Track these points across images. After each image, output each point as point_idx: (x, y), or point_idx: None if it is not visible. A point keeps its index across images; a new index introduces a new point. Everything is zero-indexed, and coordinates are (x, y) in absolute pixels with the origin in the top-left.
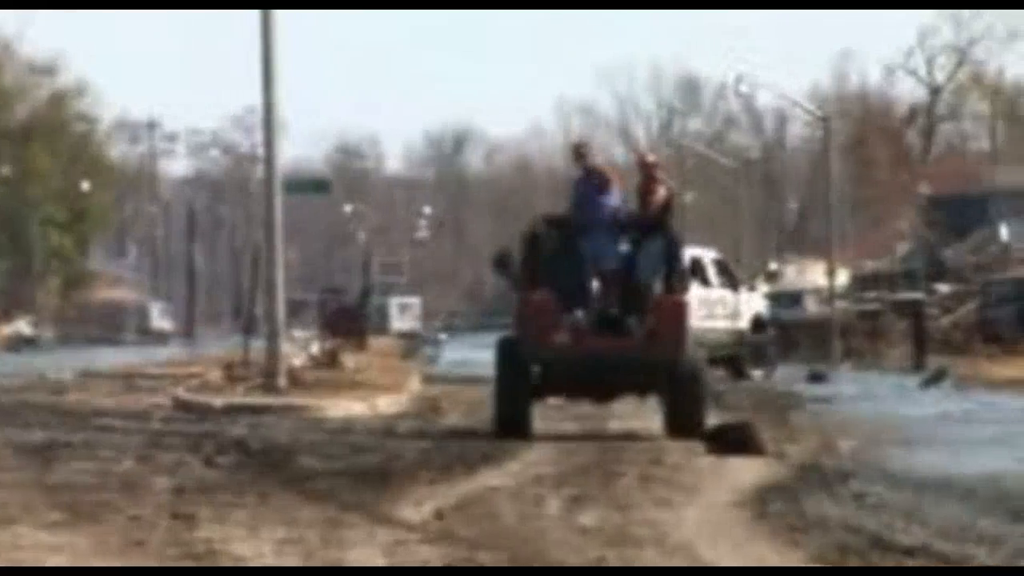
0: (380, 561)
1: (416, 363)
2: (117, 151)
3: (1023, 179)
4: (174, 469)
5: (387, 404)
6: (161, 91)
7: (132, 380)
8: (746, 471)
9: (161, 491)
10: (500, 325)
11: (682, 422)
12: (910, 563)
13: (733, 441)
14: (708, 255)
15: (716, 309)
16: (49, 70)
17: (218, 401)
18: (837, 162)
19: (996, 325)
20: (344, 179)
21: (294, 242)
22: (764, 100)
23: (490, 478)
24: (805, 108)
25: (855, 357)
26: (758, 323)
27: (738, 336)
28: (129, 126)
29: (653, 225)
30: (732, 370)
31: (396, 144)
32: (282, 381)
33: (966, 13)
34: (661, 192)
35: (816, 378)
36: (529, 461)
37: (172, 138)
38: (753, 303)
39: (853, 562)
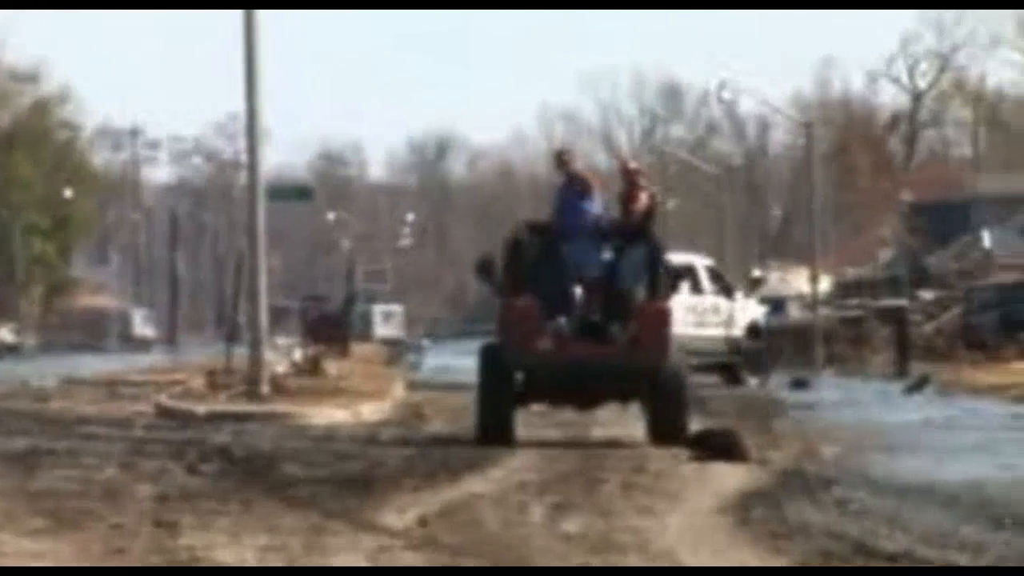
0: (363, 567)
1: (399, 370)
2: (100, 158)
3: (1005, 186)
4: (157, 476)
5: (370, 411)
6: (144, 98)
7: (115, 387)
8: (729, 477)
9: (144, 498)
10: (483, 332)
11: (665, 429)
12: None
13: (717, 447)
14: (701, 262)
15: (708, 316)
16: (32, 77)
17: (201, 408)
18: (820, 169)
19: (979, 331)
20: (327, 186)
21: (277, 249)
22: (747, 107)
23: (473, 485)
24: (787, 115)
25: (838, 363)
26: (754, 330)
27: (732, 343)
28: (112, 133)
29: (635, 232)
30: (728, 377)
31: (379, 151)
32: (265, 388)
33: (949, 19)
34: (643, 199)
35: (799, 384)
36: (512, 468)
37: (155, 145)
38: (749, 310)
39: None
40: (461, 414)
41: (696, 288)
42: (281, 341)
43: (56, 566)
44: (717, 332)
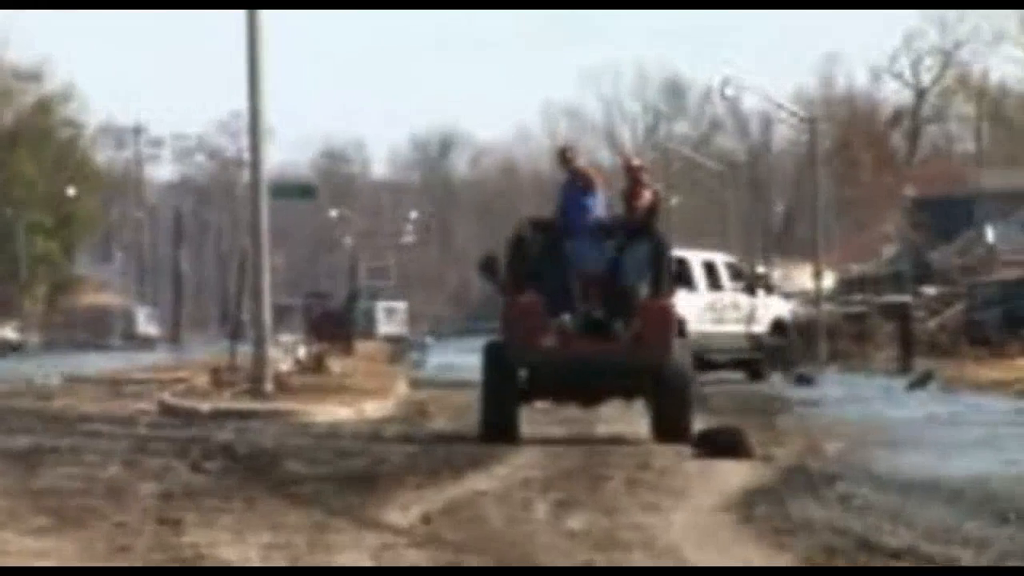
0: (367, 565)
1: (403, 367)
2: (103, 156)
3: (1008, 181)
4: (160, 474)
5: (374, 408)
6: (147, 96)
7: (118, 385)
8: (733, 474)
9: (147, 496)
10: (486, 329)
11: (669, 426)
12: (897, 565)
13: (723, 445)
14: (721, 259)
15: (728, 313)
16: (35, 76)
17: (204, 406)
18: (823, 165)
19: (982, 327)
20: (330, 184)
21: (280, 247)
22: (750, 103)
23: (477, 482)
24: (791, 111)
25: (842, 360)
26: (779, 326)
27: (754, 340)
28: (115, 131)
29: (639, 229)
30: (750, 373)
31: (382, 148)
32: (269, 386)
33: (952, 16)
34: (647, 196)
35: (803, 381)
36: (516, 465)
37: (158, 143)
38: (774, 307)
39: (840, 564)
40: (465, 411)
41: (715, 284)
42: (284, 339)
43: (60, 566)
44: (738, 328)
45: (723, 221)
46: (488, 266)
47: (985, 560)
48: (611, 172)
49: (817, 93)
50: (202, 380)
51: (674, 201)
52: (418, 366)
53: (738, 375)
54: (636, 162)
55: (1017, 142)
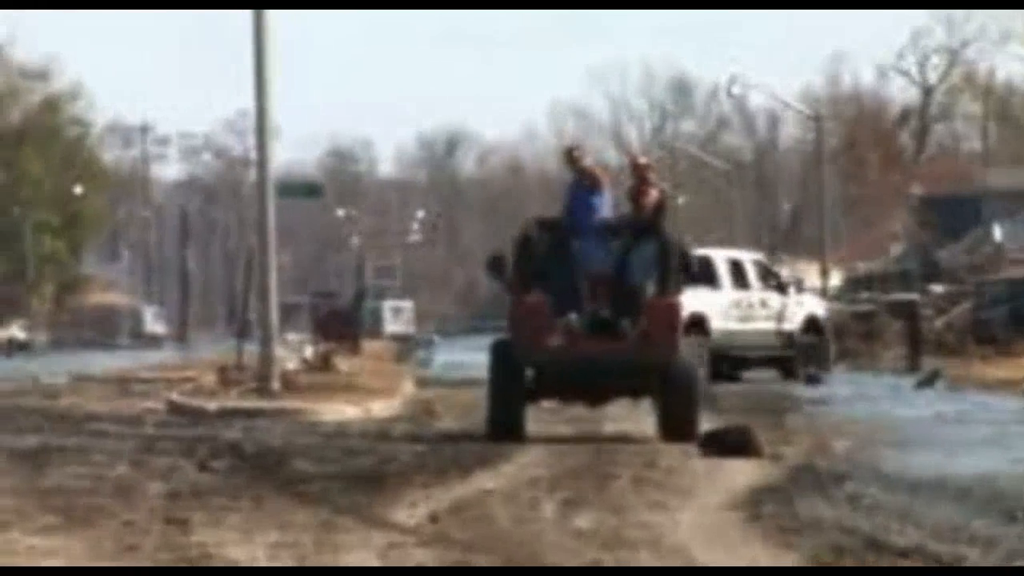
0: (374, 564)
1: (409, 366)
2: (110, 155)
3: (1015, 180)
4: (168, 473)
5: (381, 407)
6: (154, 95)
7: (125, 384)
8: (740, 473)
9: (155, 495)
10: (493, 328)
11: (675, 425)
12: (904, 564)
13: (732, 444)
14: (748, 257)
15: (756, 311)
16: (42, 75)
17: (212, 405)
18: (829, 163)
19: (990, 326)
20: (337, 183)
21: (287, 246)
22: (756, 102)
23: (484, 481)
24: (797, 109)
25: (849, 358)
26: (813, 324)
27: (785, 337)
28: (122, 130)
29: (646, 228)
30: (782, 371)
31: (388, 147)
32: (276, 385)
33: (959, 14)
34: (653, 194)
35: (811, 379)
36: (523, 464)
37: (164, 142)
38: (807, 305)
39: (848, 564)
40: (471, 410)
41: (742, 283)
42: (291, 338)
43: (66, 566)
44: (766, 326)
45: (730, 220)
46: (495, 265)
47: (993, 559)
48: (618, 171)
49: (824, 91)
50: (209, 379)
51: (681, 200)
52: (425, 365)
53: (770, 373)
54: (643, 161)
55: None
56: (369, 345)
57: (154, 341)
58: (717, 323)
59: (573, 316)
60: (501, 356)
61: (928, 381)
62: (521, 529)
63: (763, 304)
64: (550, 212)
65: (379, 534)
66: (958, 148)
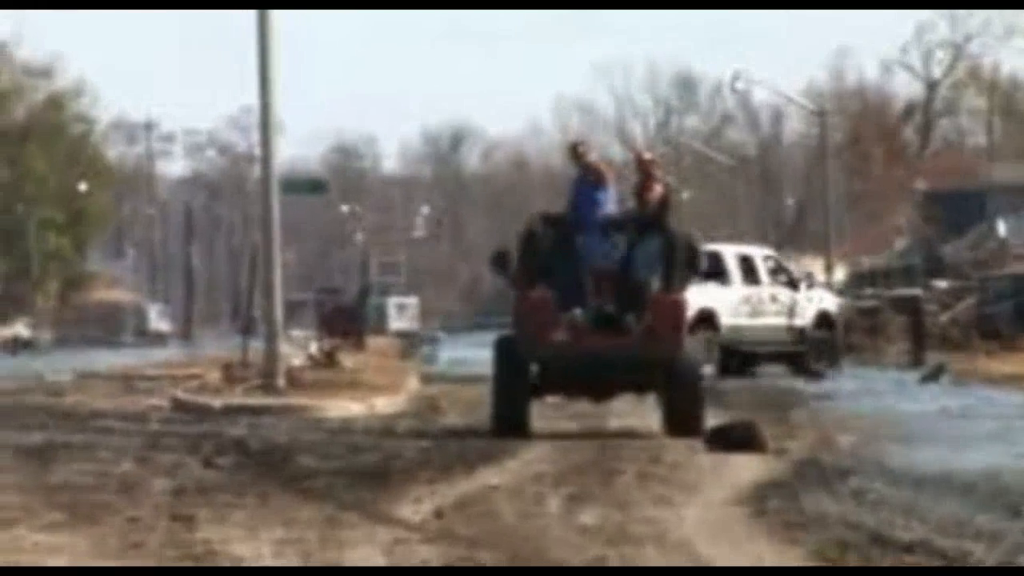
0: (380, 561)
1: (414, 363)
2: (114, 152)
3: (1020, 175)
4: (173, 470)
5: (385, 404)
6: (158, 92)
7: (130, 381)
8: (745, 468)
9: (160, 492)
10: (498, 324)
11: (680, 420)
12: (909, 560)
13: (737, 439)
14: (759, 252)
15: (766, 306)
16: (46, 72)
17: (217, 402)
18: (834, 158)
19: (994, 321)
20: (341, 179)
21: (291, 243)
22: (761, 97)
23: (489, 477)
24: (801, 105)
25: (854, 353)
26: (825, 319)
27: (796, 333)
28: (126, 127)
29: (650, 223)
30: (793, 366)
31: (393, 143)
32: (281, 382)
33: (963, 10)
34: (658, 190)
35: (812, 375)
36: (528, 459)
37: (169, 139)
38: (819, 300)
39: (852, 559)
40: (476, 406)
41: (752, 278)
42: (296, 334)
43: (72, 565)
44: (778, 321)
45: (734, 214)
46: (500, 261)
47: (997, 553)
48: (622, 166)
49: (828, 86)
50: (214, 376)
51: (685, 195)
52: (429, 361)
53: (780, 368)
54: (647, 156)
55: None
56: (374, 341)
57: (159, 338)
58: (727, 319)
59: (578, 312)
60: (506, 352)
61: (933, 376)
62: (526, 525)
63: (773, 299)
64: (555, 208)
65: (384, 530)
66: (962, 143)
